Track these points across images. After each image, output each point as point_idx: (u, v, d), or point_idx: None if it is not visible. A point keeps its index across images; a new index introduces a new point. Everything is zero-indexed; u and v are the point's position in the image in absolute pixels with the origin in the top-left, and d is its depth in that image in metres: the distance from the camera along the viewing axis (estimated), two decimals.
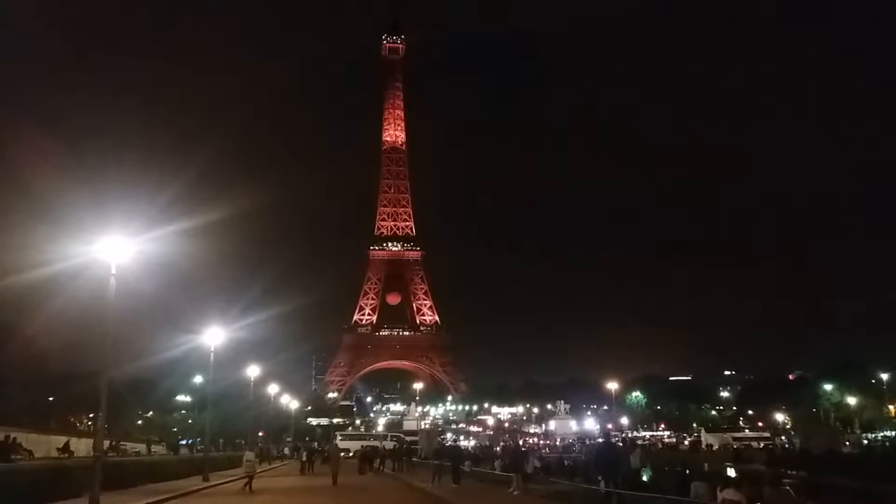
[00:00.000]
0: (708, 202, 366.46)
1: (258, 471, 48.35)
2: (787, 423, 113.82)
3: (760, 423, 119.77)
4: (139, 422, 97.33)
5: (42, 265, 33.21)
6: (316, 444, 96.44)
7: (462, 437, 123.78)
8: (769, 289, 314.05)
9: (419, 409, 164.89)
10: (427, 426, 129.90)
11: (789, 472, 41.37)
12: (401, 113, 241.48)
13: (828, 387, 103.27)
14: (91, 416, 73.57)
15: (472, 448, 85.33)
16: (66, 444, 42.37)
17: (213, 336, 43.17)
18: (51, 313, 54.03)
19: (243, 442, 73.87)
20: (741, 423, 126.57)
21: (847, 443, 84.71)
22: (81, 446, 42.93)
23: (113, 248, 21.94)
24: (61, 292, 45.78)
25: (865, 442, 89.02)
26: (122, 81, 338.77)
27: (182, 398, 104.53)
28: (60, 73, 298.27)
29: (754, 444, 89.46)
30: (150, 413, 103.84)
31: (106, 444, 46.08)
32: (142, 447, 62.44)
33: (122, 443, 59.55)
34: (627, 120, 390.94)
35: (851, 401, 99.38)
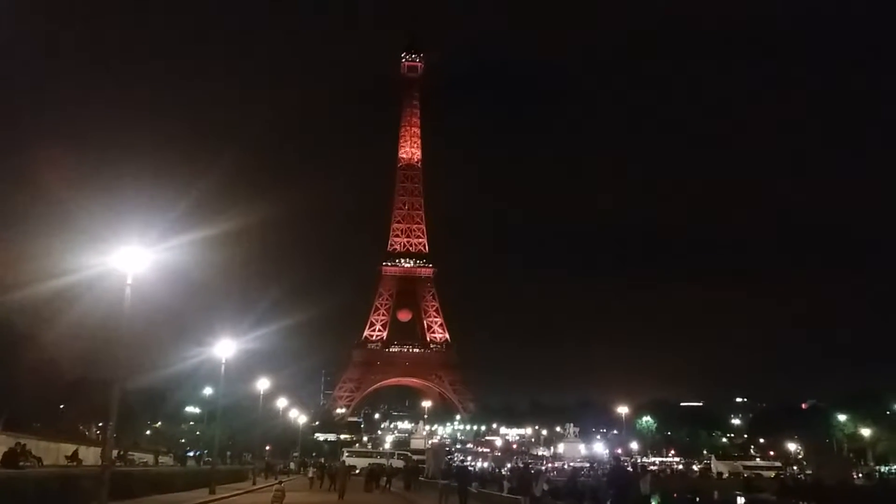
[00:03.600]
0: (723, 230, 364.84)
1: (262, 486, 48.27)
2: (798, 453, 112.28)
3: (772, 452, 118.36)
4: (148, 432, 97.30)
5: (60, 274, 33.62)
6: (322, 459, 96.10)
7: (470, 458, 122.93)
8: (784, 317, 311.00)
9: (427, 427, 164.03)
10: (433, 445, 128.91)
11: (801, 502, 40.82)
12: (417, 130, 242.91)
13: (842, 417, 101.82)
14: (101, 424, 73.77)
15: (479, 469, 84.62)
16: (75, 453, 42.46)
17: (224, 348, 43.37)
18: (67, 322, 54.47)
19: (251, 455, 73.81)
20: (752, 451, 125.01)
21: (860, 474, 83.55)
22: (90, 455, 42.97)
23: (129, 257, 22.10)
24: (79, 301, 46.21)
25: (878, 474, 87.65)
26: (141, 96, 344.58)
27: (191, 409, 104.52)
28: (80, 86, 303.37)
29: (765, 473, 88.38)
30: (159, 424, 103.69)
31: (114, 453, 46.28)
32: (150, 458, 62.51)
33: (130, 453, 59.64)
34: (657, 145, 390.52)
35: (865, 432, 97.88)
